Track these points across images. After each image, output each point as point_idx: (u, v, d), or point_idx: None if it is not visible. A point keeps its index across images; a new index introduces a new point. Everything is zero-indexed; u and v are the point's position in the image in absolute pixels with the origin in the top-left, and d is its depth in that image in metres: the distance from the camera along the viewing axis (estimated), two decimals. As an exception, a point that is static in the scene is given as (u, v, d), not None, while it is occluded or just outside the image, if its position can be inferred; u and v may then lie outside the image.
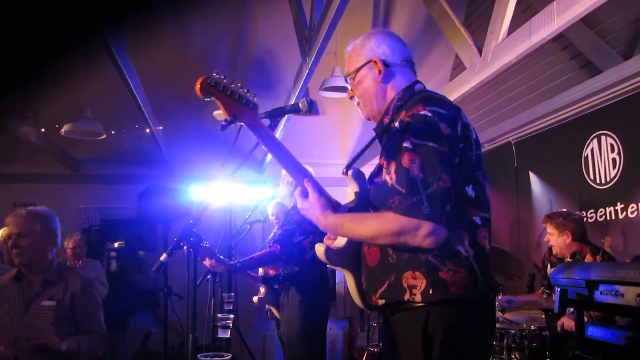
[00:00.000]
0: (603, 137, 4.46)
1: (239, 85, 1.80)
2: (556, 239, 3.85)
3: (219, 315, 3.98)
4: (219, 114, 1.73)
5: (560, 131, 4.98)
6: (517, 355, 3.53)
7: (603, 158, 4.47)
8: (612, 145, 4.37)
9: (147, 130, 5.60)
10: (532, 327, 3.63)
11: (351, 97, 1.95)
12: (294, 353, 3.36)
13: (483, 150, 5.89)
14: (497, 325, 3.75)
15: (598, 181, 4.52)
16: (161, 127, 5.79)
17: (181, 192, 6.17)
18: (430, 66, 6.71)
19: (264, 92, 5.83)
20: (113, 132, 5.61)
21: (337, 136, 7.09)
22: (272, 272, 3.55)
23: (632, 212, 4.16)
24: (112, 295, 5.16)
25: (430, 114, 1.64)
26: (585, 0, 2.74)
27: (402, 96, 1.84)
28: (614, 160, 4.35)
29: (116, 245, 6.95)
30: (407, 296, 1.65)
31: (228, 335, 3.94)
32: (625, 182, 4.23)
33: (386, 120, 1.85)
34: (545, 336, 3.31)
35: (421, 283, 1.63)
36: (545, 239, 4.02)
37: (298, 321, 3.36)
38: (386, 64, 1.85)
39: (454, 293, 1.62)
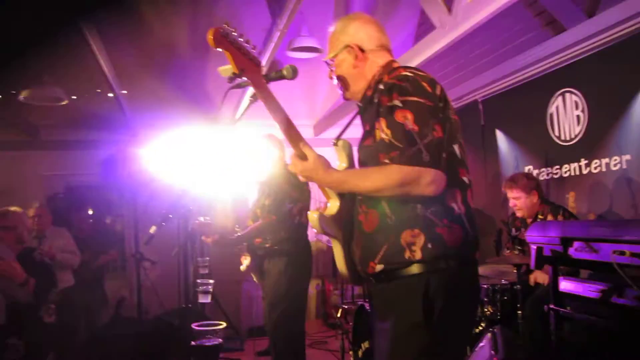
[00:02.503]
0: (567, 95, 4.57)
1: (247, 40, 1.80)
2: (524, 201, 3.97)
3: (199, 281, 3.98)
4: (225, 69, 1.70)
5: (526, 89, 5.06)
6: (490, 309, 3.68)
7: (568, 115, 4.58)
8: (576, 103, 4.48)
9: (110, 95, 5.42)
10: (503, 282, 3.77)
11: (331, 78, 2.02)
12: (278, 316, 3.42)
13: (450, 109, 5.90)
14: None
15: (563, 138, 4.65)
16: (125, 92, 5.61)
17: (147, 158, 6.06)
18: (394, 24, 6.66)
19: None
20: (74, 98, 5.41)
21: (304, 97, 7.03)
22: (257, 241, 3.56)
23: (595, 168, 4.32)
24: (83, 262, 5.11)
25: (411, 74, 1.76)
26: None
27: (381, 72, 1.93)
28: (578, 117, 4.47)
29: (90, 212, 6.81)
30: (407, 254, 1.72)
31: (209, 300, 3.96)
32: (589, 139, 4.36)
33: (369, 93, 1.94)
34: (517, 290, 3.45)
35: (420, 239, 1.71)
36: (510, 204, 4.10)
37: (284, 285, 3.43)
38: (362, 49, 1.94)
39: (451, 247, 1.71)
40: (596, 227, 2.12)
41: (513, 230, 4.26)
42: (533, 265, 2.41)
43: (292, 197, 3.45)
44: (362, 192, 1.83)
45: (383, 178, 1.70)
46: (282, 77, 1.94)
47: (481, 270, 4.12)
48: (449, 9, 3.89)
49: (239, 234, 3.51)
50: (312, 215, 1.85)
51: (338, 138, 1.98)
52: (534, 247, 2.40)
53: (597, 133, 4.28)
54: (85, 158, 6.63)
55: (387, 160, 1.69)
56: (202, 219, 3.28)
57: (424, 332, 1.70)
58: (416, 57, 4.52)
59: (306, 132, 7.28)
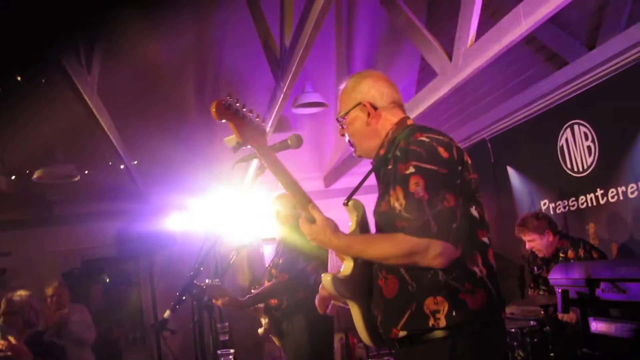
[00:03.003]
0: (576, 127, 4.55)
1: (251, 110, 1.81)
2: (540, 242, 3.90)
3: (219, 352, 3.89)
4: (230, 139, 1.72)
5: (534, 124, 5.06)
6: (521, 353, 3.55)
7: (578, 147, 4.55)
8: (585, 134, 4.45)
9: (122, 167, 5.50)
10: (532, 323, 3.66)
11: (342, 135, 2.02)
12: None
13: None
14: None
15: (576, 169, 4.60)
16: (136, 162, 5.69)
17: (161, 223, 6.09)
18: (396, 72, 6.76)
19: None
20: (87, 172, 5.49)
21: (313, 149, 7.08)
22: (274, 302, 3.50)
23: (612, 197, 4.25)
24: (99, 336, 5.06)
25: (427, 140, 1.73)
26: (551, 2, 2.78)
27: (395, 129, 1.92)
28: (589, 147, 4.43)
29: (105, 284, 6.80)
30: (431, 322, 1.68)
31: (231, 371, 3.85)
32: (603, 168, 4.31)
33: (382, 152, 1.93)
34: (547, 332, 3.33)
35: (443, 307, 1.67)
36: (527, 247, 4.04)
37: (306, 346, 3.34)
38: (374, 107, 1.93)
39: (475, 311, 1.67)
40: (621, 266, 2.07)
41: (535, 269, 4.16)
42: (560, 310, 2.34)
43: (306, 255, 3.40)
44: (368, 259, 1.81)
45: (390, 247, 1.69)
46: (287, 147, 1.95)
47: (508, 312, 4.01)
48: (450, 57, 3.92)
49: (249, 295, 3.44)
50: (326, 278, 1.82)
51: (349, 198, 1.96)
52: (558, 289, 2.33)
53: (609, 162, 4.23)
54: (100, 230, 6.66)
55: (398, 229, 1.67)
56: (209, 281, 3.22)
57: None
58: (420, 105, 4.54)
59: (316, 184, 7.29)
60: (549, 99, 4.78)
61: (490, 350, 1.71)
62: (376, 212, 1.88)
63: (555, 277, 2.36)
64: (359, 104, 1.94)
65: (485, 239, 1.78)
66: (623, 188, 4.13)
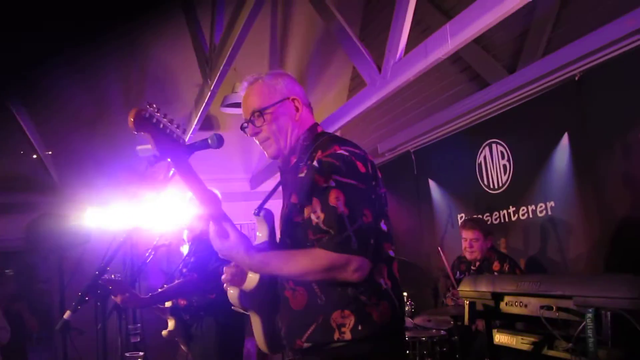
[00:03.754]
0: (494, 145, 4.75)
1: (171, 119, 1.72)
2: (481, 244, 4.02)
3: (127, 355, 3.74)
4: (143, 149, 1.61)
5: (455, 140, 5.23)
6: (430, 362, 3.66)
7: (495, 165, 4.75)
8: (502, 153, 4.66)
9: (34, 156, 5.19)
10: (442, 333, 3.77)
11: (255, 134, 1.89)
12: None
13: (384, 159, 6.04)
14: (409, 334, 3.87)
15: (491, 186, 4.80)
16: (50, 152, 5.39)
17: (75, 219, 5.79)
18: (329, 76, 6.82)
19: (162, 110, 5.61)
20: (-5, 160, 5.16)
21: (239, 152, 7.00)
22: (183, 303, 3.39)
23: (523, 215, 4.46)
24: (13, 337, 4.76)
25: (347, 154, 1.71)
26: (476, 23, 2.89)
27: (307, 136, 1.88)
28: (504, 166, 4.64)
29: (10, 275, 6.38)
30: (336, 336, 1.67)
31: (139, 374, 3.72)
32: (516, 187, 4.53)
33: (293, 160, 1.88)
34: (455, 341, 3.44)
35: (350, 321, 1.67)
36: (465, 245, 4.13)
37: (215, 350, 3.25)
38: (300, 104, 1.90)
39: (380, 325, 1.68)
40: (525, 282, 2.16)
41: (457, 273, 4.29)
42: (467, 321, 2.41)
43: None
44: (284, 277, 1.77)
45: (308, 263, 1.65)
46: (207, 147, 1.88)
47: (420, 321, 4.12)
48: (379, 68, 4.00)
49: (153, 293, 3.30)
50: (231, 292, 1.78)
51: (260, 208, 1.89)
52: (466, 302, 2.41)
53: (522, 181, 4.45)
54: (7, 222, 6.25)
55: (315, 243, 1.66)
56: (109, 276, 3.03)
57: None
58: (349, 113, 4.61)
59: (242, 185, 7.21)
60: (471, 117, 4.97)
61: (392, 357, 1.74)
62: (285, 221, 1.84)
63: (464, 289, 2.44)
64: (287, 98, 1.87)
65: (391, 252, 1.80)
66: (533, 207, 4.36)
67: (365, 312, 1.68)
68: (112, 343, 4.26)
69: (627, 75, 3.52)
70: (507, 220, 4.64)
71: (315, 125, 1.93)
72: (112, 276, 3.19)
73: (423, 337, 3.73)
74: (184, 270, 3.45)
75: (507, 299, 2.26)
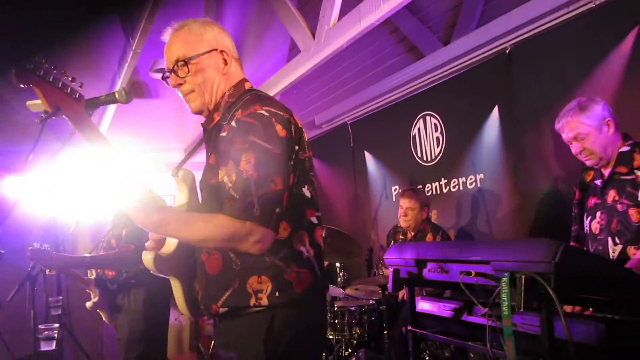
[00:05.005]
0: (428, 117, 4.78)
1: (63, 71, 1.58)
2: (417, 213, 4.03)
3: (41, 327, 3.56)
4: (35, 104, 1.46)
5: (390, 112, 5.24)
6: (358, 331, 3.68)
7: (429, 137, 4.79)
8: (435, 125, 4.70)
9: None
10: (371, 302, 3.80)
11: (178, 85, 1.76)
12: (135, 354, 3.13)
13: (322, 131, 5.97)
14: (339, 303, 3.88)
15: (425, 158, 4.84)
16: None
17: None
18: (267, 45, 6.65)
19: (87, 76, 5.31)
20: None
21: (174, 120, 6.77)
22: (111, 274, 3.25)
23: (454, 187, 4.53)
24: None
25: (267, 114, 1.62)
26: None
27: (233, 92, 1.78)
28: (437, 138, 4.68)
29: None
30: (252, 301, 1.63)
31: (53, 347, 3.55)
32: (448, 159, 4.58)
33: (216, 117, 1.78)
34: (382, 310, 3.47)
35: (267, 287, 1.63)
36: (401, 213, 4.14)
37: (142, 320, 3.16)
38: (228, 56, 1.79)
39: (299, 293, 1.65)
40: (446, 249, 2.17)
41: (392, 242, 4.32)
42: (391, 288, 2.41)
43: None
44: (182, 240, 1.68)
45: (211, 229, 1.57)
46: (113, 101, 1.75)
47: (351, 291, 4.14)
48: (313, 34, 3.92)
49: (89, 254, 3.17)
50: (146, 257, 1.68)
51: (179, 168, 1.78)
52: (391, 269, 2.40)
53: (454, 154, 4.50)
54: None
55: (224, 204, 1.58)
56: (37, 245, 2.87)
57: None
58: (283, 80, 4.51)
59: (177, 155, 6.99)
60: (406, 89, 4.97)
61: (310, 325, 1.71)
62: (203, 184, 1.76)
63: (390, 256, 2.43)
64: (215, 49, 1.75)
65: (314, 219, 1.75)
66: (464, 179, 4.43)
67: (284, 279, 1.64)
68: (27, 316, 4.09)
69: (555, 49, 3.58)
70: (439, 192, 4.70)
71: (244, 81, 1.83)
72: (38, 245, 3.04)
73: (352, 307, 3.75)
74: (113, 241, 3.29)
75: (429, 265, 2.26)
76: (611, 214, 2.31)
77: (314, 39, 3.88)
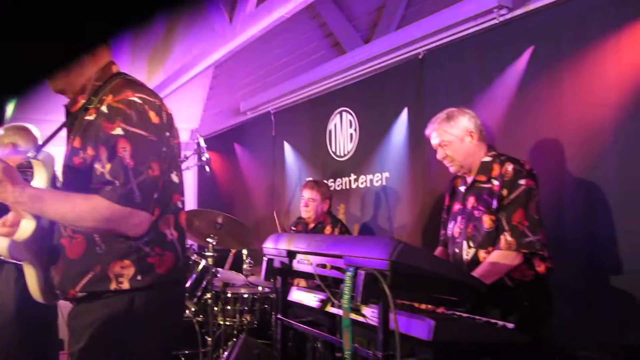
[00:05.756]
0: (344, 113, 4.85)
1: None
2: (317, 206, 4.07)
3: None
4: None
5: (311, 105, 5.29)
6: (248, 318, 3.71)
7: (344, 133, 4.87)
8: (350, 121, 4.78)
9: None
10: (265, 290, 3.84)
11: None
12: (7, 339, 2.98)
13: (246, 118, 5.95)
14: (232, 290, 3.90)
15: (338, 153, 4.92)
16: None
17: None
18: (184, 28, 6.54)
19: None
20: None
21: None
22: None
23: (362, 183, 4.63)
24: None
25: (140, 101, 1.64)
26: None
27: (99, 76, 1.76)
28: (351, 135, 4.77)
29: None
30: (113, 286, 1.63)
31: None
32: (359, 156, 4.68)
33: (81, 100, 1.75)
34: (273, 299, 3.52)
35: (129, 271, 1.64)
36: (303, 204, 4.18)
37: (13, 300, 3.02)
38: None
39: (160, 274, 1.68)
40: (313, 242, 2.22)
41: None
42: (264, 277, 2.45)
43: None
44: (58, 219, 1.67)
45: (90, 210, 1.57)
46: None
47: (254, 279, 4.17)
48: (230, 19, 3.90)
49: None
50: (2, 243, 1.65)
51: (39, 150, 1.75)
52: (266, 259, 2.44)
53: (365, 151, 4.60)
54: None
55: (92, 188, 1.58)
56: None
57: (121, 350, 1.64)
58: (198, 64, 4.47)
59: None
60: (327, 84, 5.03)
61: (168, 306, 1.75)
62: (66, 167, 1.73)
63: (267, 246, 2.47)
64: None
65: (179, 203, 1.80)
66: (371, 176, 4.53)
67: (146, 262, 1.66)
68: None
69: (463, 59, 3.70)
70: (348, 187, 4.79)
71: (111, 64, 1.82)
72: None
73: (245, 294, 3.78)
74: None
75: (298, 257, 2.31)
76: (469, 219, 2.43)
77: (230, 23, 3.87)
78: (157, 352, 1.74)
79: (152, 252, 1.67)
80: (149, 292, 1.66)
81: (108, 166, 1.58)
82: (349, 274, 1.79)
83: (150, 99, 1.67)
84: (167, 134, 1.71)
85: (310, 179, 4.51)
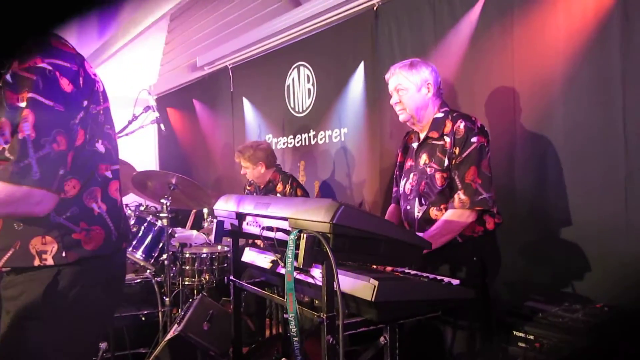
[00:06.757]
0: (301, 68, 4.75)
1: None
2: (252, 171, 4.03)
3: None
4: None
5: (269, 60, 5.16)
6: (206, 277, 3.71)
7: (301, 88, 4.78)
8: (308, 76, 4.69)
9: None
10: (225, 249, 3.83)
11: None
12: None
13: (203, 73, 5.76)
14: (190, 250, 3.88)
15: (297, 109, 4.85)
16: None
17: None
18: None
19: None
20: None
21: None
22: None
23: (321, 139, 4.59)
24: None
25: (50, 67, 1.49)
26: None
27: None
28: (309, 90, 4.69)
29: None
30: (37, 262, 1.57)
31: None
32: (317, 112, 4.62)
33: None
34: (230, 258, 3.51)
35: (52, 248, 1.58)
36: (242, 173, 4.15)
37: None
38: None
39: (89, 251, 1.62)
40: (260, 204, 2.19)
41: (247, 193, 4.34)
42: (214, 239, 2.42)
43: None
44: None
45: None
46: None
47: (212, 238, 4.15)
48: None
49: None
50: None
51: None
52: (215, 220, 2.41)
53: (323, 106, 4.54)
54: None
55: None
56: None
57: (45, 324, 1.59)
58: (151, 14, 4.28)
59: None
60: (283, 37, 4.90)
61: (100, 281, 1.69)
62: None
63: (218, 207, 2.43)
64: None
65: (108, 173, 1.71)
66: (330, 132, 4.49)
67: (71, 239, 1.59)
68: None
69: (417, 10, 3.62)
70: (307, 143, 4.75)
71: None
72: None
73: (203, 254, 3.76)
74: None
75: (247, 219, 2.29)
76: (421, 176, 2.43)
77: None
78: (87, 325, 1.69)
79: (77, 227, 1.60)
80: (75, 268, 1.61)
81: (10, 141, 1.46)
82: (291, 237, 1.78)
83: (65, 64, 1.53)
84: (85, 102, 1.59)
85: (240, 146, 4.37)
